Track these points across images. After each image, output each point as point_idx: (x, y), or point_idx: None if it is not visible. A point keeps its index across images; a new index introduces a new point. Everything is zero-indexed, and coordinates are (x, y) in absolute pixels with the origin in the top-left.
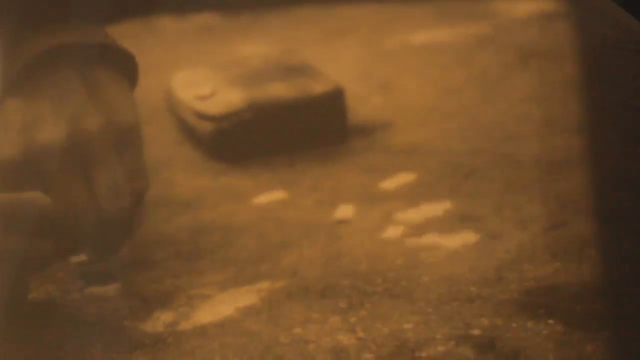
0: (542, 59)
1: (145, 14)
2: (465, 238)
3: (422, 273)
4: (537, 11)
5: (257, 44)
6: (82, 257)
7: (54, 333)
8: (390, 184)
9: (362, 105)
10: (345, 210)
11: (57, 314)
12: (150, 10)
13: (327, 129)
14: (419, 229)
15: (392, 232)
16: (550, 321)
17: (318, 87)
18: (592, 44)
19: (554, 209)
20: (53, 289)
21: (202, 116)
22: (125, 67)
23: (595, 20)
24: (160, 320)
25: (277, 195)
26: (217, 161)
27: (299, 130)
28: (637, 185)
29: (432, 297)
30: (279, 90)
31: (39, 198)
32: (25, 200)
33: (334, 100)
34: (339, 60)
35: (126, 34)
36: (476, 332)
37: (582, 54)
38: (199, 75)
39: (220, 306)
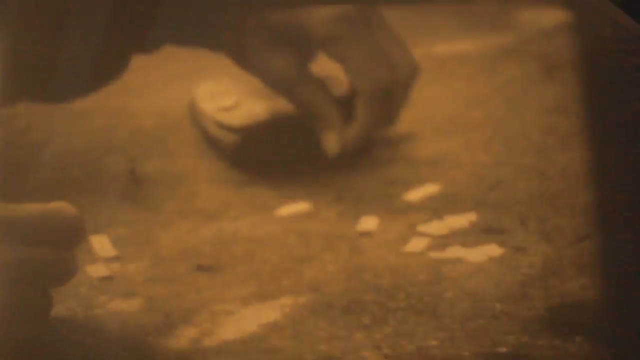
0: (566, 69)
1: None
2: (489, 251)
3: (445, 288)
4: (562, 21)
5: None
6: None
7: (78, 349)
8: (414, 195)
9: None
10: (368, 222)
11: (80, 330)
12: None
13: None
14: (443, 241)
15: (416, 244)
16: (578, 338)
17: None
18: (593, 48)
19: (580, 222)
20: (76, 304)
21: (225, 127)
22: None
23: (596, 24)
24: (184, 337)
25: (300, 207)
26: (240, 172)
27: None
28: None
29: (456, 314)
30: None
31: (64, 208)
32: (52, 211)
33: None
34: None
35: None
36: (503, 349)
37: (584, 59)
38: (222, 87)
39: (243, 322)
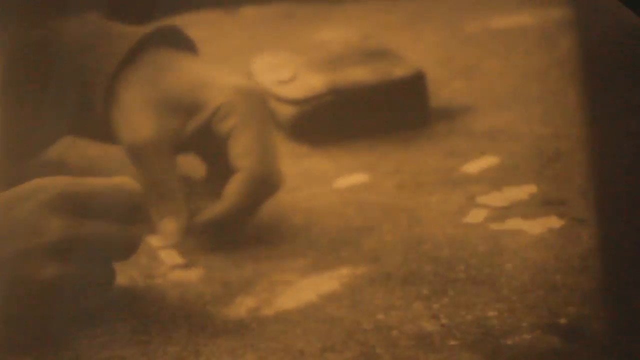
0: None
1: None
2: (549, 223)
3: (505, 260)
4: None
5: (337, 29)
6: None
7: (139, 317)
8: (473, 167)
9: (444, 89)
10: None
11: (141, 299)
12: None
13: (408, 112)
14: (503, 213)
15: (475, 216)
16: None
17: (399, 71)
18: (594, 40)
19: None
20: (137, 274)
21: (283, 100)
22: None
23: (597, 17)
24: (243, 306)
25: (358, 178)
26: (298, 144)
27: (380, 114)
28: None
29: (516, 285)
30: (360, 74)
31: (127, 183)
32: (115, 186)
33: (415, 84)
34: (419, 44)
35: (207, 21)
36: (563, 320)
37: (584, 50)
38: (279, 60)
39: (301, 292)
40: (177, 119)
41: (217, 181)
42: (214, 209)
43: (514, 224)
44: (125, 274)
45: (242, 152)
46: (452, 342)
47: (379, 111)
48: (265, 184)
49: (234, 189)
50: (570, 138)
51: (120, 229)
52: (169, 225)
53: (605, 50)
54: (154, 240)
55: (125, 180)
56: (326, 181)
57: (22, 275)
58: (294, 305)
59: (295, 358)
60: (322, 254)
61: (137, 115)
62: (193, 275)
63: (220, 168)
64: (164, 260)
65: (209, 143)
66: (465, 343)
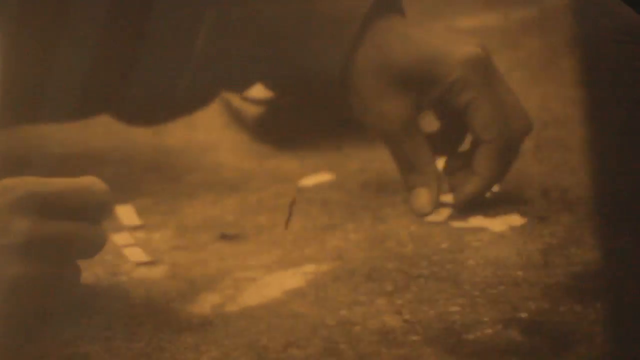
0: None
1: None
2: (511, 221)
3: (467, 256)
4: None
5: None
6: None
7: (103, 314)
8: (438, 167)
9: None
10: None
11: (106, 296)
12: None
13: None
14: (465, 212)
15: (438, 215)
16: (598, 305)
17: None
18: (591, 35)
19: (600, 193)
20: (102, 271)
21: (249, 99)
22: None
23: (593, 11)
24: (207, 303)
25: (323, 177)
26: (263, 144)
27: (346, 113)
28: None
29: (478, 281)
30: None
31: (95, 184)
32: (82, 186)
33: None
34: None
35: None
36: (524, 315)
37: (581, 45)
38: None
39: (266, 289)
40: (412, 94)
41: (452, 137)
42: (473, 186)
43: (476, 222)
44: (90, 272)
45: (484, 124)
46: (415, 338)
47: (346, 110)
48: (511, 150)
49: (486, 163)
50: (532, 138)
51: (86, 228)
52: (422, 198)
53: (602, 46)
54: (118, 238)
55: (93, 181)
56: (291, 180)
57: None
58: (258, 301)
59: (259, 354)
60: (287, 251)
61: (375, 95)
62: (157, 272)
63: (454, 127)
64: (129, 257)
65: (444, 109)
66: (428, 338)
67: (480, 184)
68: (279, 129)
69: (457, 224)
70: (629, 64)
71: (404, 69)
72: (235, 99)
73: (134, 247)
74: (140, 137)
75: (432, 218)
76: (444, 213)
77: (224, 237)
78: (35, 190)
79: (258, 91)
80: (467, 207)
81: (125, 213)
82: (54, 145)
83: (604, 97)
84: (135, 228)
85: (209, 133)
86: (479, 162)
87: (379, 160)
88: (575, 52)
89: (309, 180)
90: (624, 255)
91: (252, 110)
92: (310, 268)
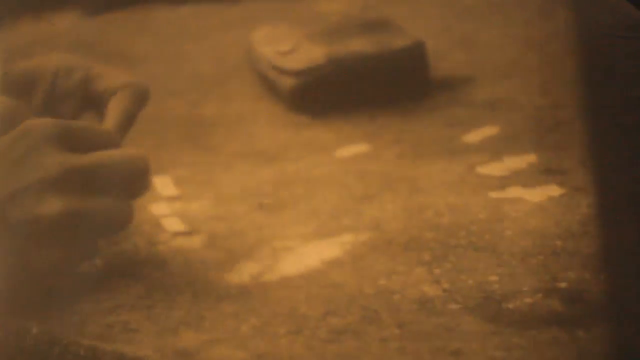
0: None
1: None
2: (549, 191)
3: (506, 227)
4: None
5: (337, 1)
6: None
7: (143, 283)
8: (473, 137)
9: (444, 60)
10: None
11: (145, 265)
12: None
13: (408, 83)
14: (503, 182)
15: (475, 185)
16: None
17: (399, 42)
18: (589, 30)
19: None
20: (140, 240)
21: (283, 71)
22: None
23: (592, 6)
24: (246, 272)
25: (359, 148)
26: (298, 115)
27: (381, 85)
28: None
29: (516, 251)
30: (360, 45)
31: (138, 158)
32: (125, 160)
33: (415, 55)
34: (419, 16)
35: None
36: (563, 285)
37: (580, 41)
38: (279, 32)
39: (304, 258)
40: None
41: None
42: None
43: (514, 192)
44: (129, 241)
45: (111, 80)
46: (454, 306)
47: (379, 82)
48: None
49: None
50: (569, 108)
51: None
52: None
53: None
54: (156, 209)
55: (135, 154)
56: (327, 151)
57: (25, 212)
58: (297, 271)
59: (299, 322)
60: (324, 221)
61: None
62: (196, 242)
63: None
64: (167, 227)
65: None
66: (467, 307)
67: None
68: (314, 100)
69: (495, 194)
70: (631, 59)
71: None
72: (270, 71)
73: (171, 217)
74: (176, 108)
75: (470, 188)
76: (481, 183)
77: (262, 207)
78: (63, 126)
79: (293, 62)
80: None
81: (163, 184)
82: None
83: (604, 94)
84: (172, 198)
85: (243, 104)
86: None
87: (414, 132)
88: (575, 47)
89: (345, 151)
90: None
91: (287, 82)
92: (348, 238)
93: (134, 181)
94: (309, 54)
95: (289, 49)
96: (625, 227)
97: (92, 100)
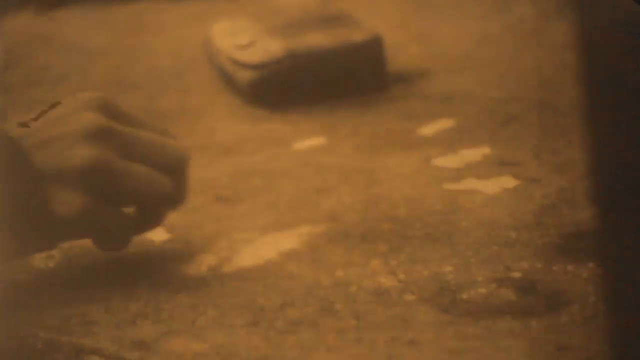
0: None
1: None
2: (504, 183)
3: (461, 218)
4: None
5: None
6: None
7: (101, 274)
8: (429, 130)
9: (401, 53)
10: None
11: (103, 256)
12: None
13: (366, 76)
14: (458, 174)
15: (431, 177)
16: (590, 264)
17: (357, 36)
18: (593, 26)
19: (592, 155)
20: None
21: (242, 65)
22: None
23: (597, 3)
24: (204, 264)
25: (317, 141)
26: (256, 108)
27: (338, 78)
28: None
29: (471, 241)
30: (318, 39)
31: (178, 146)
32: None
33: (373, 49)
34: (376, 10)
35: None
36: (517, 274)
37: (583, 37)
38: (237, 25)
39: (262, 250)
40: None
41: None
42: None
43: (469, 184)
44: None
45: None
46: (410, 297)
47: (337, 75)
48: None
49: None
50: (524, 101)
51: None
52: None
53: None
54: None
55: (175, 143)
56: (284, 144)
57: (54, 156)
58: (255, 262)
59: (256, 313)
60: (282, 213)
61: None
62: (154, 234)
63: None
64: None
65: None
66: (422, 297)
67: None
68: (272, 94)
69: (451, 186)
70: (632, 54)
71: None
72: (228, 65)
73: None
74: (134, 101)
75: (426, 180)
76: (437, 176)
77: (219, 199)
78: (107, 97)
79: (251, 56)
80: None
81: None
82: None
83: (606, 87)
84: None
85: (202, 97)
86: None
87: (371, 124)
88: (579, 43)
89: (303, 144)
90: (617, 215)
91: (245, 76)
92: (305, 230)
93: (176, 166)
94: (267, 48)
95: (248, 42)
96: (622, 219)
97: None
